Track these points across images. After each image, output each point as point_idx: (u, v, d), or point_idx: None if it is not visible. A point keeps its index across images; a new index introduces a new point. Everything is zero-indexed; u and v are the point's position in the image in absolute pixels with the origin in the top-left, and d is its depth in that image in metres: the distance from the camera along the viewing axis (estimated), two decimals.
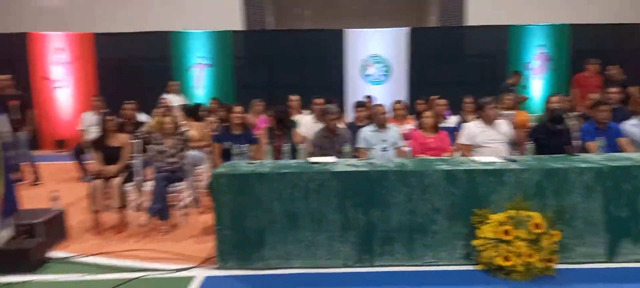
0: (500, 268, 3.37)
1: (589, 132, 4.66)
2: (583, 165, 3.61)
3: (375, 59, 10.04)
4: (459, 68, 9.97)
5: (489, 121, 4.67)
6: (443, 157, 4.40)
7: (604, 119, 4.66)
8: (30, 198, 5.10)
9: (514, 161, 3.79)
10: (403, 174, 3.59)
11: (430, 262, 3.59)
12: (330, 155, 4.20)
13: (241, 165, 3.85)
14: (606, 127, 4.68)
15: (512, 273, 3.34)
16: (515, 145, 4.87)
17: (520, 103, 6.44)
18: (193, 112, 5.99)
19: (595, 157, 3.92)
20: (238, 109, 4.94)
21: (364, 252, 3.59)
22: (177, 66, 9.85)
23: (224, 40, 9.97)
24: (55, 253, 3.95)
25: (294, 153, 4.74)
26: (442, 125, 5.59)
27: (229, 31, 10.10)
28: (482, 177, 3.60)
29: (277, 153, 4.69)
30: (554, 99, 5.61)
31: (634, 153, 4.32)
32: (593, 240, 3.59)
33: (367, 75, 10.05)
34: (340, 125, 5.06)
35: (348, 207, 3.57)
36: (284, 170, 3.60)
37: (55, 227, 4.19)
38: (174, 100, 7.88)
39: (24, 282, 3.42)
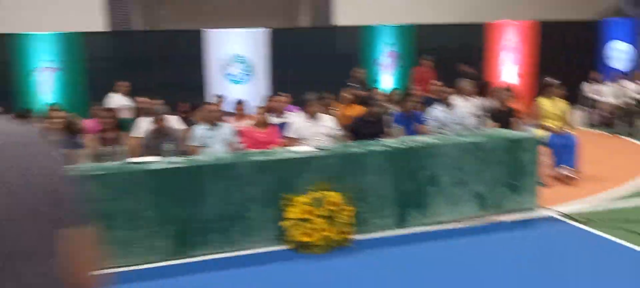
0: (304, 244, 3.78)
1: (398, 120, 5.33)
2: (377, 149, 4.17)
3: (237, 59, 10.25)
4: (319, 67, 10.53)
5: (313, 116, 5.12)
6: (265, 150, 4.75)
7: (409, 108, 5.36)
8: None
9: (322, 150, 4.24)
10: (218, 167, 3.86)
11: (245, 247, 3.90)
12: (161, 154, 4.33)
13: None
14: (411, 115, 5.38)
15: (313, 247, 3.77)
16: (340, 137, 5.34)
17: (359, 98, 7.06)
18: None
19: (391, 141, 4.51)
20: (60, 113, 4.85)
21: (180, 244, 3.79)
22: (18, 70, 9.19)
23: (73, 42, 9.49)
24: None
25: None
26: (281, 120, 5.96)
27: (80, 33, 9.63)
28: (291, 165, 4.00)
29: (107, 156, 4.70)
30: (378, 93, 6.28)
31: (427, 136, 5.02)
32: (386, 213, 4.17)
33: (229, 75, 10.23)
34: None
35: (164, 203, 3.74)
36: (95, 172, 3.67)
37: None
38: (119, 101, 7.51)
39: None
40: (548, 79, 5.91)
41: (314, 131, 5.04)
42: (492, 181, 4.37)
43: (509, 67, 11.37)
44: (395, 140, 4.53)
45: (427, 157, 4.23)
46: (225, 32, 10.29)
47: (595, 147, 8.24)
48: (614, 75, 10.22)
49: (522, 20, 11.45)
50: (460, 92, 6.48)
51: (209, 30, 10.20)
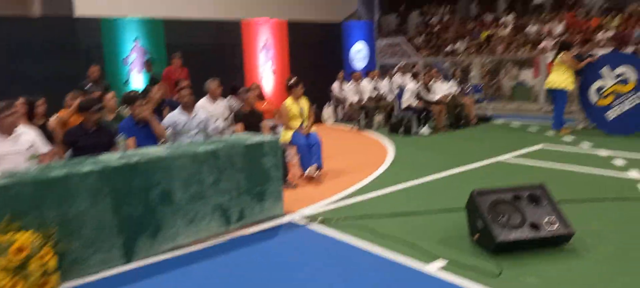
0: None
1: (127, 129, 4.53)
2: (87, 168, 3.32)
3: None
4: (53, 62, 8.78)
5: (6, 131, 3.91)
6: None
7: (139, 115, 4.61)
8: None
9: (7, 176, 3.18)
10: None
11: None
12: None
13: None
14: (143, 122, 4.65)
15: None
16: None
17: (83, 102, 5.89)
18: None
19: (107, 157, 3.70)
20: None
21: None
22: None
23: None
24: None
25: None
26: None
27: None
28: None
29: None
30: (108, 96, 5.34)
31: (161, 146, 4.37)
32: (106, 246, 3.37)
33: None
34: None
35: None
36: None
37: None
38: None
39: None
40: (291, 79, 5.91)
41: (4, 150, 3.84)
42: (234, 191, 3.99)
43: (265, 66, 11.53)
44: (114, 155, 3.74)
45: (155, 172, 3.58)
46: None
47: (342, 142, 8.92)
48: (355, 74, 11.29)
49: (275, 19, 11.72)
50: (207, 93, 6.03)
51: None
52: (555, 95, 8.31)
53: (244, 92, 5.61)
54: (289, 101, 5.85)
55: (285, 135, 5.80)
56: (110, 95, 5.32)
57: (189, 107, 5.02)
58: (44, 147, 4.13)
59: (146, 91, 5.80)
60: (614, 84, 7.94)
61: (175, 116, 4.97)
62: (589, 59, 8.23)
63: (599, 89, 8.12)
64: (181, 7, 11.20)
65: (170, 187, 3.65)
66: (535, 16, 16.60)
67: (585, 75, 8.18)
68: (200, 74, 7.03)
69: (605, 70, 8.01)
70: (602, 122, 8.16)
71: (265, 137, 4.29)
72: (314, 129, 6.00)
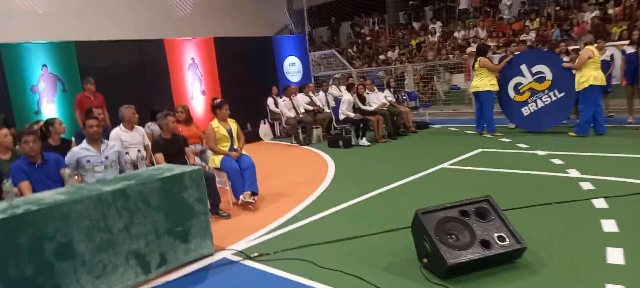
0: None
1: (18, 171, 3.85)
2: None
3: None
4: None
5: None
6: None
7: (31, 151, 3.93)
8: None
9: None
10: None
11: None
12: None
13: None
14: (41, 161, 4.00)
15: None
16: None
17: None
18: None
19: None
20: None
21: None
22: None
23: None
24: None
25: None
26: None
27: None
28: None
29: None
30: (2, 132, 4.59)
31: (59, 189, 3.74)
32: None
33: None
34: None
35: None
36: None
37: None
38: None
39: None
40: (215, 99, 5.43)
41: None
42: (151, 234, 3.45)
43: (193, 85, 10.92)
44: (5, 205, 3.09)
45: (51, 222, 2.98)
46: None
47: (281, 159, 8.49)
48: (290, 89, 10.93)
49: (200, 37, 11.17)
50: (121, 121, 5.40)
51: None
52: (482, 99, 8.38)
53: (163, 117, 5.05)
54: (215, 123, 5.35)
55: (214, 160, 5.30)
56: (4, 131, 4.58)
57: (95, 140, 4.40)
58: None
59: (48, 124, 5.08)
60: (531, 82, 8.14)
61: (77, 151, 4.33)
62: (506, 60, 8.42)
63: (517, 86, 8.33)
64: (97, 30, 10.37)
65: (70, 239, 3.05)
66: (460, 22, 17.07)
67: (504, 72, 8.36)
68: (123, 99, 6.38)
69: (524, 68, 8.21)
70: (519, 118, 8.41)
71: (184, 167, 3.78)
72: (248, 149, 5.53)
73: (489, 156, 6.72)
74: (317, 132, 9.98)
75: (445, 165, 6.36)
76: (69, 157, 4.30)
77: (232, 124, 5.48)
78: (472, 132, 8.87)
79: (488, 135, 8.34)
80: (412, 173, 6.01)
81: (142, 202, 3.42)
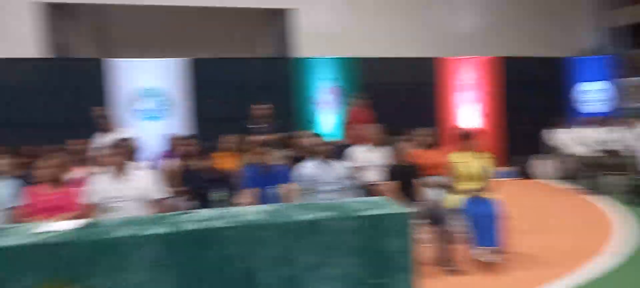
0: None
1: (248, 178, 3.89)
2: (152, 231, 2.72)
3: (149, 92, 8.92)
4: (243, 101, 9.19)
5: (118, 171, 3.68)
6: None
7: (260, 160, 3.91)
8: None
9: (65, 232, 2.77)
10: None
11: None
12: None
13: None
14: (269, 171, 3.96)
15: None
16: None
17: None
18: None
19: (181, 217, 3.00)
20: None
21: None
22: None
23: None
24: None
25: None
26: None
27: None
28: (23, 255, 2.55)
29: None
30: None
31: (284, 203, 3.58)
32: None
33: (139, 111, 8.87)
34: None
35: None
36: None
37: None
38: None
39: None
40: (465, 129, 4.52)
41: (116, 194, 3.59)
42: (341, 280, 2.90)
43: (466, 107, 10.09)
44: (195, 216, 3.04)
45: (237, 244, 2.77)
46: (134, 62, 9.01)
47: (551, 210, 6.79)
48: (582, 120, 8.88)
49: (480, 56, 10.24)
50: (361, 139, 5.08)
51: (114, 59, 8.91)
52: None
53: (399, 140, 4.47)
54: (457, 155, 4.46)
55: (451, 199, 4.42)
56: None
57: (325, 156, 4.16)
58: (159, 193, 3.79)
59: (289, 136, 5.18)
60: None
61: (308, 169, 4.15)
62: None
63: None
64: (382, 48, 10.69)
65: (254, 266, 2.78)
66: None
67: None
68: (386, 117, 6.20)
69: None
70: None
71: (390, 207, 3.08)
72: (510, 188, 4.44)
73: None
74: (611, 179, 7.71)
75: None
76: (296, 173, 4.16)
77: (482, 159, 4.48)
78: None
79: None
80: None
81: (340, 239, 2.90)
